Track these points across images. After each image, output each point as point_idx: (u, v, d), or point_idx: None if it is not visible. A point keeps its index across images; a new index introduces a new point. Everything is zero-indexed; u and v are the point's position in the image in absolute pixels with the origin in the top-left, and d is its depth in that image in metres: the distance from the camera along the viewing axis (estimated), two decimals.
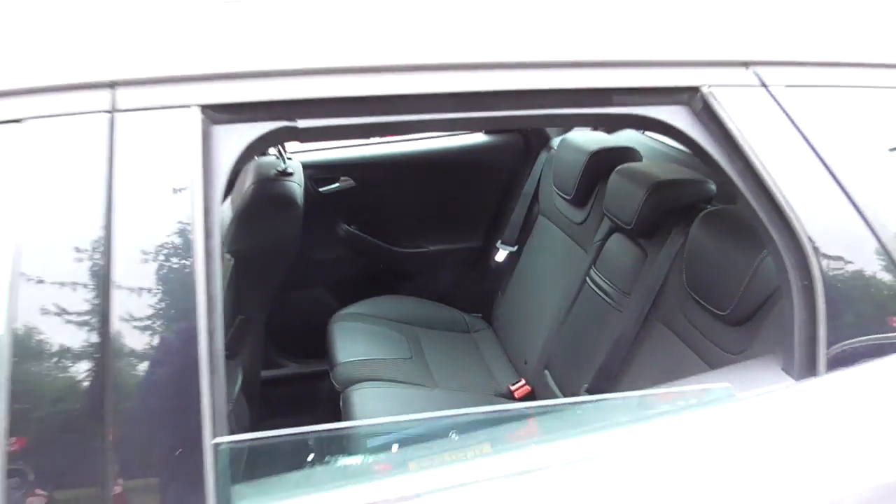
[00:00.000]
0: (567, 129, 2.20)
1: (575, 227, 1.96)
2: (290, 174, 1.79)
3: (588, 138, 2.02)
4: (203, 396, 0.73)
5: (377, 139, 2.35)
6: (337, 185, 2.27)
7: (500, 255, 2.27)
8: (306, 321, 2.22)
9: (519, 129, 2.36)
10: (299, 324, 2.24)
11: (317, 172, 2.21)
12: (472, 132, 2.39)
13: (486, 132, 2.40)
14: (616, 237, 1.74)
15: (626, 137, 2.08)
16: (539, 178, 2.23)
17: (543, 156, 2.27)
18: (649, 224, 1.58)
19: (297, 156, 1.94)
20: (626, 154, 1.87)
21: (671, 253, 1.50)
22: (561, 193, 2.01)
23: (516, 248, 2.25)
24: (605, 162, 1.82)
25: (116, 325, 0.71)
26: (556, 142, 2.24)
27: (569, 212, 2.00)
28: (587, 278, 1.79)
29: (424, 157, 2.32)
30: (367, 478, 0.77)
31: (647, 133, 2.11)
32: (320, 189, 2.25)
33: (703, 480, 0.81)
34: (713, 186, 1.56)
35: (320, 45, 0.82)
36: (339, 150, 2.28)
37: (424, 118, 0.86)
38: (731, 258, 1.26)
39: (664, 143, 2.00)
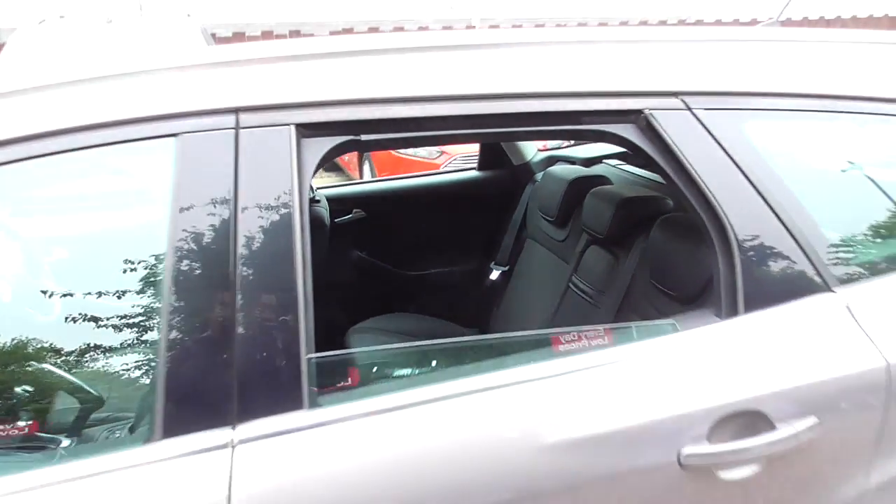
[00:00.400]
0: (551, 163, 2.56)
1: (558, 244, 2.29)
2: (318, 201, 2.12)
3: (567, 170, 2.37)
4: (300, 326, 1.04)
5: (386, 178, 2.69)
6: (350, 216, 2.60)
7: (494, 275, 2.59)
8: (323, 338, 2.50)
9: (507, 166, 2.72)
10: (316, 341, 2.52)
11: (333, 205, 2.54)
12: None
13: (480, 169, 2.76)
14: (593, 248, 2.07)
15: (599, 169, 2.44)
16: (526, 207, 2.58)
17: (529, 188, 2.62)
18: (618, 233, 1.92)
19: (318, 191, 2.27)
20: (599, 180, 2.22)
21: (637, 254, 1.84)
22: (545, 216, 2.36)
23: (508, 267, 2.58)
24: (581, 187, 2.17)
25: (240, 280, 1.03)
26: (539, 176, 2.60)
27: (552, 232, 2.34)
28: (570, 284, 2.11)
29: (427, 190, 2.66)
30: (409, 385, 1.08)
31: (617, 164, 2.47)
32: (336, 220, 2.58)
33: (655, 384, 1.12)
34: (670, 201, 1.91)
35: (373, 82, 1.15)
36: (353, 185, 2.62)
37: (445, 133, 1.20)
38: (681, 251, 1.59)
39: (630, 172, 2.36)
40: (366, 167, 6.12)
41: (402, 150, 5.59)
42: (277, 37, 11.02)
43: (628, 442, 1.09)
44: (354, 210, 2.60)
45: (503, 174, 2.70)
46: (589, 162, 2.57)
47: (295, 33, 11.20)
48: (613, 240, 1.95)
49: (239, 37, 10.65)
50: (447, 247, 2.69)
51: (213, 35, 6.96)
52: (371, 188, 2.62)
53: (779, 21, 2.07)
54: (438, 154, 5.34)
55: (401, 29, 12.10)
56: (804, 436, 1.13)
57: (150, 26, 5.24)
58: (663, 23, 13.11)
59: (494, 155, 2.71)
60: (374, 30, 11.89)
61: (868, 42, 1.42)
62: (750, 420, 1.13)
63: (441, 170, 4.31)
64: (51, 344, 1.11)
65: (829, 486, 1.19)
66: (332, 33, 11.54)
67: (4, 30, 7.31)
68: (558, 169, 2.41)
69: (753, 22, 13.16)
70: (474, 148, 3.87)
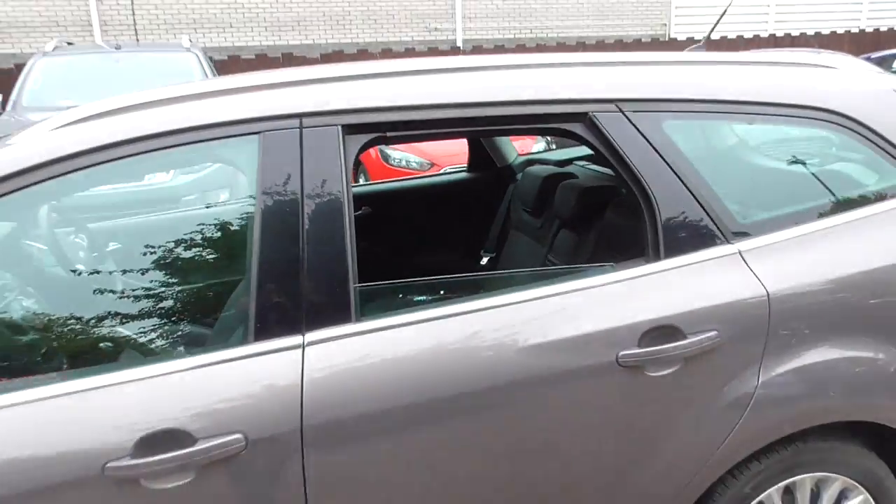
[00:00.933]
0: (529, 164, 3.02)
1: (536, 230, 2.75)
2: None
3: (542, 170, 2.83)
4: (349, 265, 1.48)
5: (390, 180, 3.14)
6: (359, 212, 3.04)
7: (484, 260, 3.04)
8: None
9: (493, 168, 3.18)
10: None
11: None
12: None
13: (469, 170, 3.22)
14: (562, 231, 2.53)
15: (570, 168, 2.91)
16: (509, 201, 3.03)
17: (511, 186, 3.08)
18: (581, 216, 2.38)
19: None
20: (568, 176, 2.68)
21: (595, 232, 2.29)
22: (525, 208, 2.82)
23: (495, 253, 3.03)
24: (554, 182, 2.63)
25: (307, 233, 1.47)
26: (519, 175, 3.06)
27: (531, 221, 2.79)
28: (546, 262, 2.57)
29: (424, 189, 3.12)
30: (421, 307, 1.53)
31: (584, 164, 2.94)
32: None
33: (598, 304, 1.57)
34: (622, 190, 2.37)
35: (393, 96, 1.60)
36: (363, 186, 3.07)
37: (447, 131, 1.65)
38: (625, 226, 2.05)
39: (593, 169, 2.83)
40: (360, 177, 6.60)
41: (395, 164, 6.06)
42: (271, 59, 11.53)
43: (579, 347, 1.54)
44: (363, 207, 3.05)
45: (489, 175, 3.16)
46: (561, 163, 3.03)
47: (287, 56, 11.72)
48: (578, 222, 2.40)
49: (235, 60, 11.14)
50: (442, 237, 3.14)
51: (211, 58, 7.38)
52: (378, 188, 3.06)
53: (704, 45, 2.57)
54: (430, 166, 5.81)
55: (388, 50, 12.64)
56: (707, 343, 1.59)
57: (156, 53, 5.98)
58: (601, 42, 13.81)
59: (481, 158, 3.17)
60: (362, 52, 12.42)
61: (752, 62, 1.91)
62: (669, 332, 1.58)
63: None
64: (190, 279, 1.57)
65: (730, 381, 1.64)
66: (322, 56, 12.06)
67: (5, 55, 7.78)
68: (535, 168, 2.87)
69: (689, 41, 13.92)
70: (461, 160, 4.33)
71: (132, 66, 6.50)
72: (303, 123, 1.52)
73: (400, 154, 6.06)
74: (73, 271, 1.85)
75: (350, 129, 1.55)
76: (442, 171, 3.27)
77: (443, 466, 1.48)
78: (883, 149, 1.84)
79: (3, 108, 6.03)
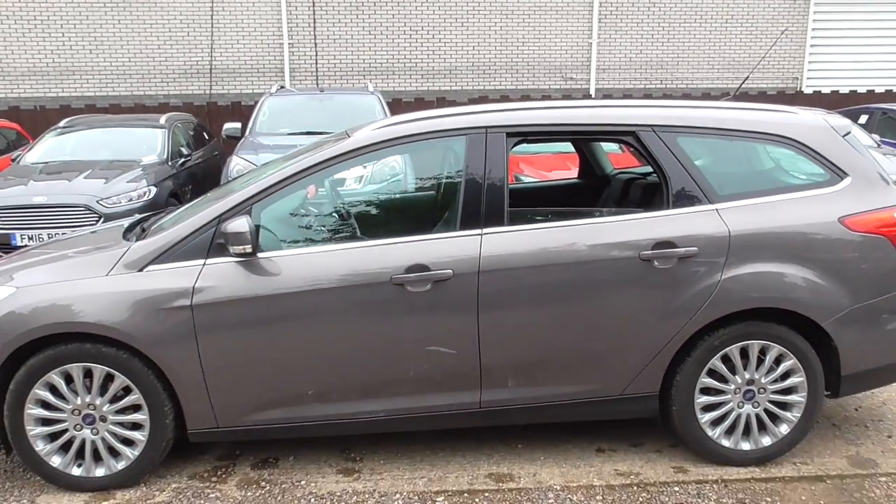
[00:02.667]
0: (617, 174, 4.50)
1: (616, 198, 4.21)
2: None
3: (624, 174, 4.30)
4: (505, 197, 3.08)
5: (534, 181, 4.72)
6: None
7: None
8: None
9: (600, 175, 4.67)
10: None
11: None
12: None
13: (579, 177, 4.73)
14: (622, 198, 3.98)
15: (638, 171, 4.35)
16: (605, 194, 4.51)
17: (608, 188, 4.55)
18: (630, 191, 3.83)
19: None
20: (639, 175, 4.14)
21: (637, 196, 3.74)
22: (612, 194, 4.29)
23: None
24: (623, 179, 4.10)
25: (486, 185, 3.07)
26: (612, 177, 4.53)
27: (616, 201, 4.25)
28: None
29: (554, 188, 4.66)
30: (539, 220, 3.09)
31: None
32: None
33: (628, 227, 3.05)
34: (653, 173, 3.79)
35: (529, 118, 3.18)
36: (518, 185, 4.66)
37: (558, 137, 3.22)
38: (652, 193, 3.49)
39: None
40: None
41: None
42: (427, 102, 13.57)
43: (621, 246, 3.01)
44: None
45: (596, 180, 4.65)
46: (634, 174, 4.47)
47: (441, 100, 13.73)
48: (629, 193, 3.87)
49: (398, 102, 13.26)
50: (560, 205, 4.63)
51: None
52: (528, 185, 4.64)
53: (734, 96, 3.98)
54: None
55: (527, 97, 14.35)
56: (691, 253, 3.01)
57: (348, 95, 8.69)
58: (725, 93, 14.67)
59: (589, 168, 4.66)
60: (504, 97, 14.22)
61: (741, 107, 3.32)
62: (670, 244, 3.03)
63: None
64: (433, 203, 3.23)
65: (705, 276, 3.03)
66: (470, 100, 13.98)
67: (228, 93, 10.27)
68: (619, 174, 4.34)
69: (816, 94, 14.54)
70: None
71: (332, 104, 8.57)
72: (487, 132, 3.14)
73: (529, 178, 7.63)
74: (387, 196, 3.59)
75: (509, 135, 3.15)
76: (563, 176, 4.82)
77: (532, 300, 3.00)
78: (815, 159, 3.21)
79: (243, 134, 8.22)
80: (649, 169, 4.17)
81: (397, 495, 3.02)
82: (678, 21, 15.16)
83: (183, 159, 8.45)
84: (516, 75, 15.03)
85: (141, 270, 2.98)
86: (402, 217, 3.32)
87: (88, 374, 2.98)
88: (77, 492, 3.07)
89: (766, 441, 3.22)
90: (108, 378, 2.99)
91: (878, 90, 14.88)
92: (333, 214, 3.52)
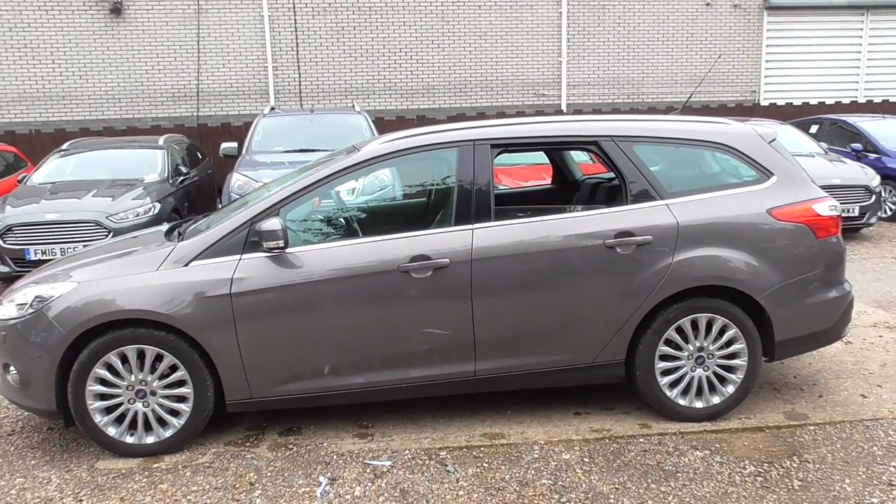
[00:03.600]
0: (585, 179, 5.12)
1: (582, 198, 4.83)
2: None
3: (589, 179, 4.92)
4: (491, 198, 3.68)
5: (509, 187, 5.33)
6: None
7: None
8: None
9: (570, 180, 5.29)
10: None
11: None
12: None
13: (552, 182, 5.35)
14: (589, 196, 4.60)
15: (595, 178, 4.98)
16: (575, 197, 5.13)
17: (578, 191, 5.17)
18: (594, 191, 4.45)
19: None
20: (601, 180, 4.76)
21: (600, 195, 4.36)
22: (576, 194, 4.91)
23: None
24: (589, 183, 4.72)
25: (474, 188, 3.67)
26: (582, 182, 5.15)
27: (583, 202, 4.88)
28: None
29: (529, 192, 5.27)
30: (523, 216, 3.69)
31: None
32: None
33: (594, 219, 3.67)
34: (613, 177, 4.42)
35: (510, 132, 3.79)
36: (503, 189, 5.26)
37: (535, 147, 3.83)
38: (611, 192, 4.10)
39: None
40: None
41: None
42: (408, 120, 14.20)
43: (588, 236, 3.62)
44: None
45: (567, 185, 5.27)
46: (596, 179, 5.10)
47: (421, 118, 14.37)
48: (594, 193, 4.48)
49: (379, 120, 13.85)
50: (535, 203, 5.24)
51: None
52: (510, 190, 5.24)
53: (680, 111, 4.64)
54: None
55: (502, 113, 15.04)
56: (646, 240, 3.63)
57: (337, 115, 9.57)
58: (688, 107, 15.50)
59: (561, 174, 5.28)
60: (480, 114, 14.89)
61: (685, 119, 3.96)
62: (629, 234, 3.64)
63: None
64: (426, 206, 3.83)
65: (658, 259, 3.65)
66: (448, 117, 14.62)
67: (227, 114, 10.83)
68: (587, 179, 4.96)
69: (772, 107, 15.43)
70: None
71: (322, 123, 9.15)
72: (475, 144, 3.73)
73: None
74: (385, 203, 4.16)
75: (493, 146, 3.76)
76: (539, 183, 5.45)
77: (515, 281, 3.59)
78: (746, 161, 3.85)
79: (240, 152, 8.76)
80: (612, 174, 4.82)
81: (406, 451, 3.57)
82: (642, 40, 16.01)
83: (182, 177, 8.95)
84: (491, 93, 15.73)
85: (186, 265, 3.52)
86: (405, 216, 3.89)
87: (141, 354, 3.50)
88: (130, 457, 3.57)
89: (716, 399, 3.83)
90: (158, 358, 3.51)
91: (829, 102, 15.84)
92: (347, 215, 4.08)
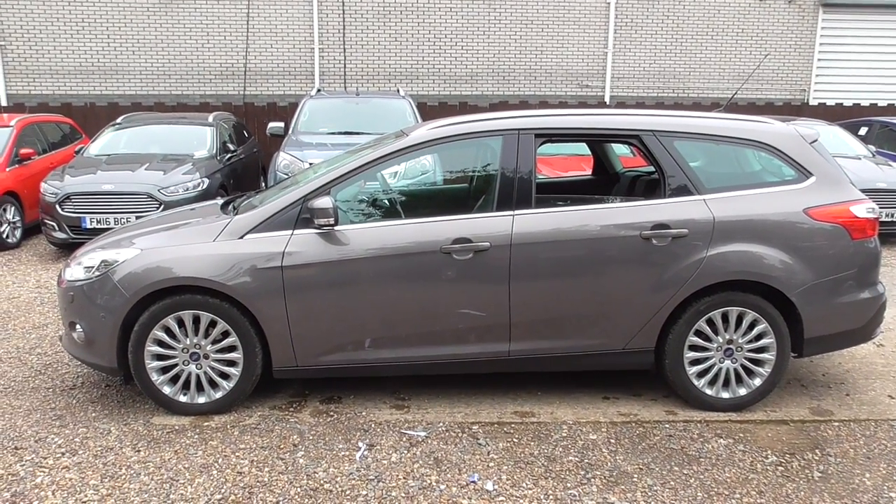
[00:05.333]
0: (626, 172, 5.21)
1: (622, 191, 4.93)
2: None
3: (631, 172, 5.01)
4: (532, 185, 3.82)
5: (550, 177, 5.45)
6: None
7: None
8: None
9: (611, 173, 5.38)
10: None
11: None
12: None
13: (593, 174, 5.45)
14: (629, 191, 4.70)
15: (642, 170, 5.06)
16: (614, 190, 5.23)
17: (617, 183, 5.27)
18: (634, 185, 4.54)
19: None
20: (641, 173, 4.85)
21: (639, 188, 4.45)
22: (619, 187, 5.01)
23: None
24: (630, 175, 4.81)
25: (517, 176, 3.81)
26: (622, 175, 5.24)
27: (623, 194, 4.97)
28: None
29: (573, 182, 5.39)
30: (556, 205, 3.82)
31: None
32: None
33: (633, 212, 3.78)
34: (653, 171, 4.50)
35: (553, 123, 3.91)
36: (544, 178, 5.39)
37: (578, 139, 3.95)
38: (650, 186, 4.20)
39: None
40: None
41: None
42: (450, 106, 14.32)
43: (626, 227, 3.73)
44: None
45: (607, 177, 5.36)
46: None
47: (463, 105, 14.48)
48: (634, 186, 4.58)
49: (422, 105, 14.00)
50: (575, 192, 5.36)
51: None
52: (551, 179, 5.36)
53: (725, 108, 4.71)
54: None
55: (545, 103, 15.06)
56: (682, 233, 3.73)
57: (382, 98, 9.75)
58: (734, 104, 15.29)
59: (602, 166, 5.38)
60: (523, 102, 14.93)
61: (726, 117, 4.04)
62: (665, 227, 3.74)
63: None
64: (469, 191, 3.98)
65: (693, 252, 3.75)
66: (491, 105, 14.70)
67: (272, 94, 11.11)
68: (627, 172, 5.05)
69: (821, 107, 15.16)
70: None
71: (367, 107, 9.34)
72: (519, 133, 3.87)
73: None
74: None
75: (537, 136, 3.89)
76: (579, 174, 5.56)
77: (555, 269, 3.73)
78: (786, 161, 3.92)
79: (286, 132, 9.00)
80: (651, 168, 4.90)
81: (441, 424, 3.75)
82: (691, 33, 15.83)
83: (229, 154, 9.24)
84: (535, 82, 15.75)
85: (242, 238, 3.73)
86: (447, 200, 4.05)
87: (196, 320, 3.73)
88: (183, 415, 3.82)
89: (742, 391, 3.93)
90: (212, 324, 3.74)
91: (882, 103, 15.50)
92: (392, 197, 4.26)
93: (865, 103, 15.45)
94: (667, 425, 3.77)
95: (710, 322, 3.86)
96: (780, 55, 15.96)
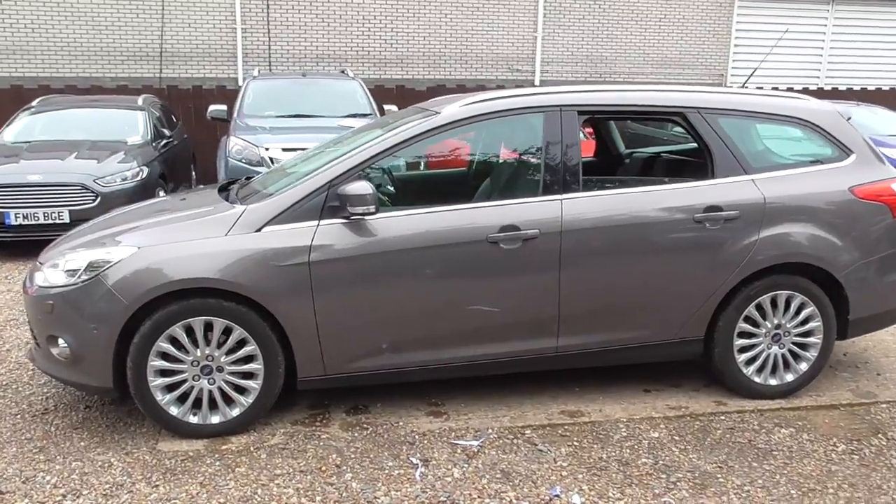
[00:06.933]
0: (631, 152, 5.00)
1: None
2: None
3: (640, 153, 4.80)
4: (579, 165, 3.51)
5: None
6: None
7: None
8: None
9: (615, 154, 5.16)
10: None
11: None
12: None
13: (595, 156, 5.21)
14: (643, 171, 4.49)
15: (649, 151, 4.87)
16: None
17: (622, 164, 5.05)
18: (654, 165, 4.34)
19: None
20: (653, 155, 4.65)
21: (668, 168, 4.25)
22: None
23: None
24: (640, 157, 4.61)
25: (563, 153, 3.49)
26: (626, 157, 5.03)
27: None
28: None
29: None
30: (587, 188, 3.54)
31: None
32: None
33: (676, 196, 3.55)
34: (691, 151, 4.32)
35: (592, 100, 3.62)
36: None
37: (618, 116, 3.67)
38: (689, 165, 4.00)
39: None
40: None
41: None
42: (387, 89, 13.82)
43: (678, 209, 3.49)
44: None
45: (612, 157, 5.14)
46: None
47: (401, 87, 14.00)
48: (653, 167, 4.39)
49: (380, 88, 13.38)
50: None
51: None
52: None
53: (746, 86, 4.55)
54: None
55: (482, 86, 14.79)
56: (733, 216, 3.53)
57: (330, 80, 9.15)
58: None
59: (605, 148, 5.15)
60: (461, 86, 14.63)
61: (765, 94, 3.88)
62: (717, 209, 3.53)
63: None
64: (517, 172, 3.63)
65: (745, 235, 3.56)
66: (429, 90, 14.28)
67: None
68: (633, 153, 4.85)
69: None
70: None
71: (316, 88, 8.76)
72: (561, 110, 3.55)
73: None
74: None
75: (580, 113, 3.58)
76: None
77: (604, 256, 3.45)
78: (826, 138, 3.80)
79: (230, 115, 8.28)
80: (660, 149, 4.72)
81: (490, 430, 3.41)
82: (616, 19, 15.99)
83: (165, 141, 8.43)
84: (465, 66, 15.47)
85: (259, 231, 3.23)
86: (489, 183, 3.70)
87: (208, 327, 3.20)
88: (193, 438, 3.29)
89: (790, 377, 3.80)
90: (225, 331, 3.22)
91: (797, 87, 16.26)
92: (426, 181, 3.85)
93: (783, 88, 16.15)
94: (722, 417, 3.59)
95: (759, 307, 3.70)
96: (699, 40, 16.42)
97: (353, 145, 3.58)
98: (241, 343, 3.25)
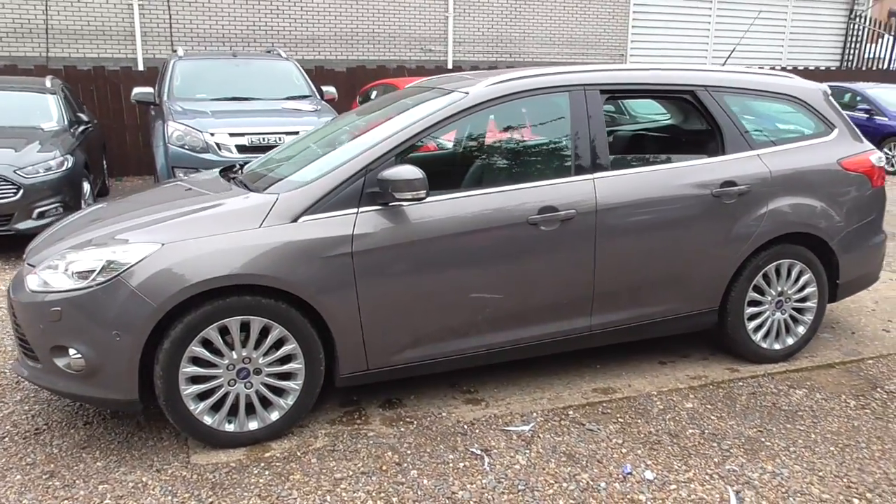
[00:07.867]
0: None
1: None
2: None
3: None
4: (605, 142, 3.52)
5: None
6: None
7: None
8: None
9: None
10: None
11: None
12: None
13: None
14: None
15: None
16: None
17: None
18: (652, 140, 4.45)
19: None
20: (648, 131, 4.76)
21: (670, 144, 4.37)
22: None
23: None
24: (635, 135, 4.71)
25: (590, 130, 3.49)
26: None
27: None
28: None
29: None
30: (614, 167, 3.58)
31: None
32: None
33: (698, 168, 3.65)
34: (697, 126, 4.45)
35: (610, 78, 3.64)
36: None
37: (638, 95, 3.71)
38: (699, 140, 4.12)
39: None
40: None
41: None
42: (307, 70, 13.27)
43: (695, 185, 3.59)
44: None
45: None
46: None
47: (320, 68, 13.54)
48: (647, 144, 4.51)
49: (320, 70, 12.81)
50: None
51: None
52: None
53: (725, 64, 4.72)
54: None
55: (402, 67, 14.56)
56: (744, 189, 3.68)
57: (264, 60, 8.81)
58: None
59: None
60: (381, 67, 14.33)
61: (762, 73, 4.04)
62: (731, 184, 3.66)
63: None
64: (548, 153, 3.57)
65: (756, 207, 3.72)
66: (348, 70, 13.87)
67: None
68: (620, 131, 4.94)
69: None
70: None
71: (250, 69, 8.30)
72: (585, 89, 3.54)
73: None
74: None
75: (602, 92, 3.59)
76: None
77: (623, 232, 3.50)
78: (814, 114, 4.01)
79: (158, 98, 7.69)
80: (651, 125, 4.84)
81: (534, 413, 3.38)
82: (524, 0, 16.24)
83: (83, 127, 7.74)
84: (377, 46, 15.20)
85: (295, 221, 3.02)
86: (523, 164, 3.62)
87: (244, 327, 2.97)
88: (230, 448, 3.05)
89: (790, 341, 4.03)
90: (262, 331, 3.00)
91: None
92: (464, 163, 3.71)
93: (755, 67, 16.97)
94: (741, 383, 3.75)
95: (765, 276, 3.89)
96: (599, 21, 16.96)
97: (379, 128, 3.42)
98: (279, 342, 3.04)
